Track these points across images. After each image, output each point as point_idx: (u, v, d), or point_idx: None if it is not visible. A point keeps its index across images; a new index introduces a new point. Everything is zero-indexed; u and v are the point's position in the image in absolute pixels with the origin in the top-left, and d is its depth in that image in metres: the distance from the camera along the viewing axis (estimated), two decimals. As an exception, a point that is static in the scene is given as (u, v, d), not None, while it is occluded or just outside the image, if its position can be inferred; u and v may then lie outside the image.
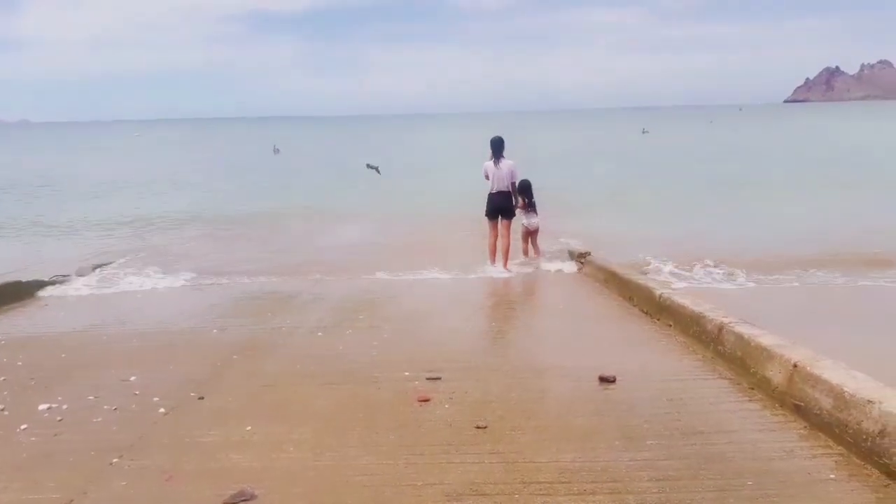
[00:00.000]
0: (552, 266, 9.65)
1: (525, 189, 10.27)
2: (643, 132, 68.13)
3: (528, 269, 9.65)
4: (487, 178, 9.62)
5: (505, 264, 9.51)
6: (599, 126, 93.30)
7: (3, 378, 4.69)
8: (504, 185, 9.46)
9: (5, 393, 4.39)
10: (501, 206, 9.51)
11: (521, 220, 10.39)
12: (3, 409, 4.10)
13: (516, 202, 9.81)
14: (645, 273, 8.46)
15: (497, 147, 9.45)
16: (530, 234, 10.53)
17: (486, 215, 9.62)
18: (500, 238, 9.59)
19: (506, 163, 9.42)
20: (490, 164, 9.49)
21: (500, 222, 9.58)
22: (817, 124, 74.62)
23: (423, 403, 3.97)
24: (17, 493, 3.06)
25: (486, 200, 9.64)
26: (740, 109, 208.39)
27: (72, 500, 2.97)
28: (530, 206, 10.32)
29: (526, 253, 10.52)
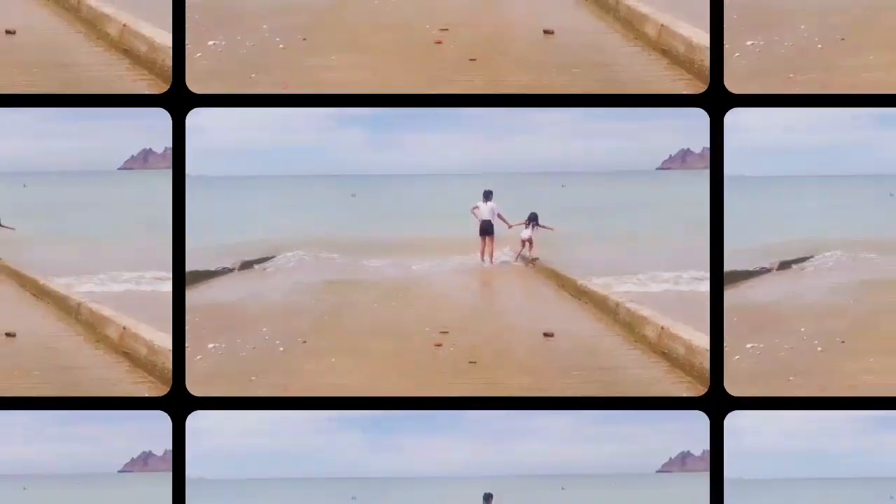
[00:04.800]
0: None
1: (531, 217, 12.57)
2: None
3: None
4: (474, 212, 12.25)
5: (490, 261, 12.37)
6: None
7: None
8: (487, 217, 12.24)
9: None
10: (485, 229, 12.33)
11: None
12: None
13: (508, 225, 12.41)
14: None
15: (485, 195, 12.21)
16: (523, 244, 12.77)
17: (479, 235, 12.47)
18: (487, 245, 12.39)
19: (490, 204, 12.10)
20: (480, 203, 12.21)
21: (488, 238, 12.39)
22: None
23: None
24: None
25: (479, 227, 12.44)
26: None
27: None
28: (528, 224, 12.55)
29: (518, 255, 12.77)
